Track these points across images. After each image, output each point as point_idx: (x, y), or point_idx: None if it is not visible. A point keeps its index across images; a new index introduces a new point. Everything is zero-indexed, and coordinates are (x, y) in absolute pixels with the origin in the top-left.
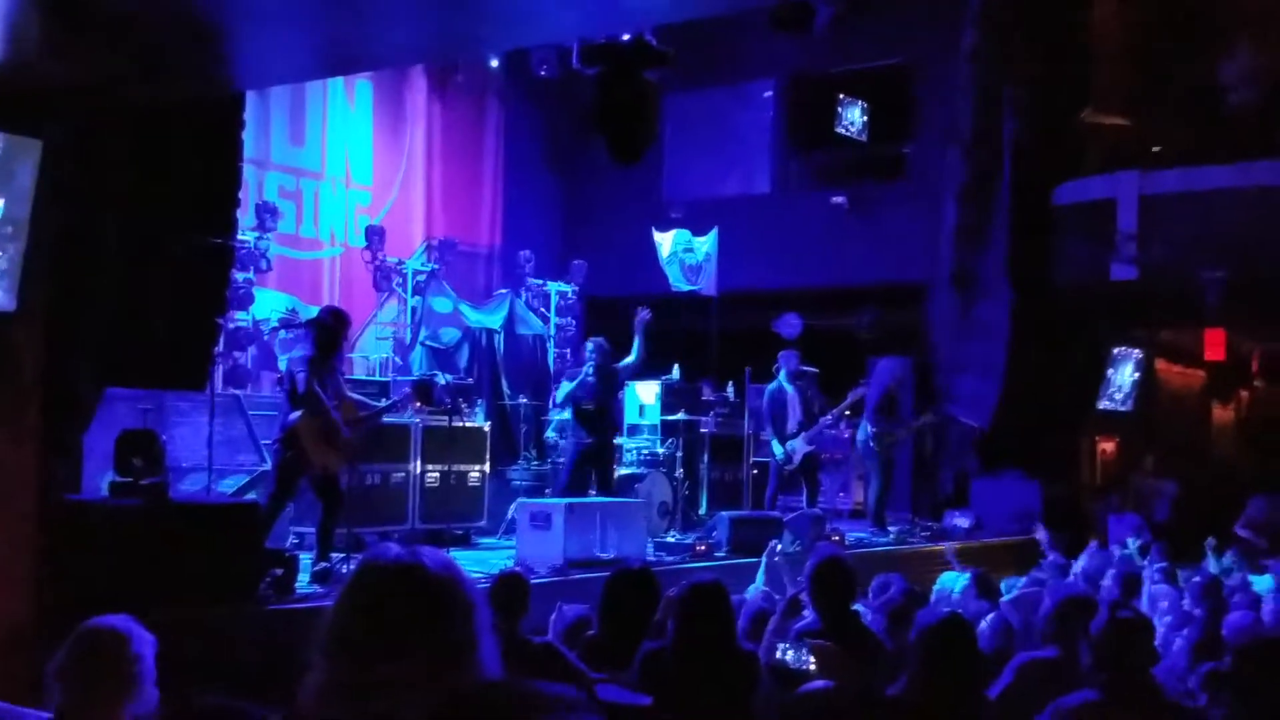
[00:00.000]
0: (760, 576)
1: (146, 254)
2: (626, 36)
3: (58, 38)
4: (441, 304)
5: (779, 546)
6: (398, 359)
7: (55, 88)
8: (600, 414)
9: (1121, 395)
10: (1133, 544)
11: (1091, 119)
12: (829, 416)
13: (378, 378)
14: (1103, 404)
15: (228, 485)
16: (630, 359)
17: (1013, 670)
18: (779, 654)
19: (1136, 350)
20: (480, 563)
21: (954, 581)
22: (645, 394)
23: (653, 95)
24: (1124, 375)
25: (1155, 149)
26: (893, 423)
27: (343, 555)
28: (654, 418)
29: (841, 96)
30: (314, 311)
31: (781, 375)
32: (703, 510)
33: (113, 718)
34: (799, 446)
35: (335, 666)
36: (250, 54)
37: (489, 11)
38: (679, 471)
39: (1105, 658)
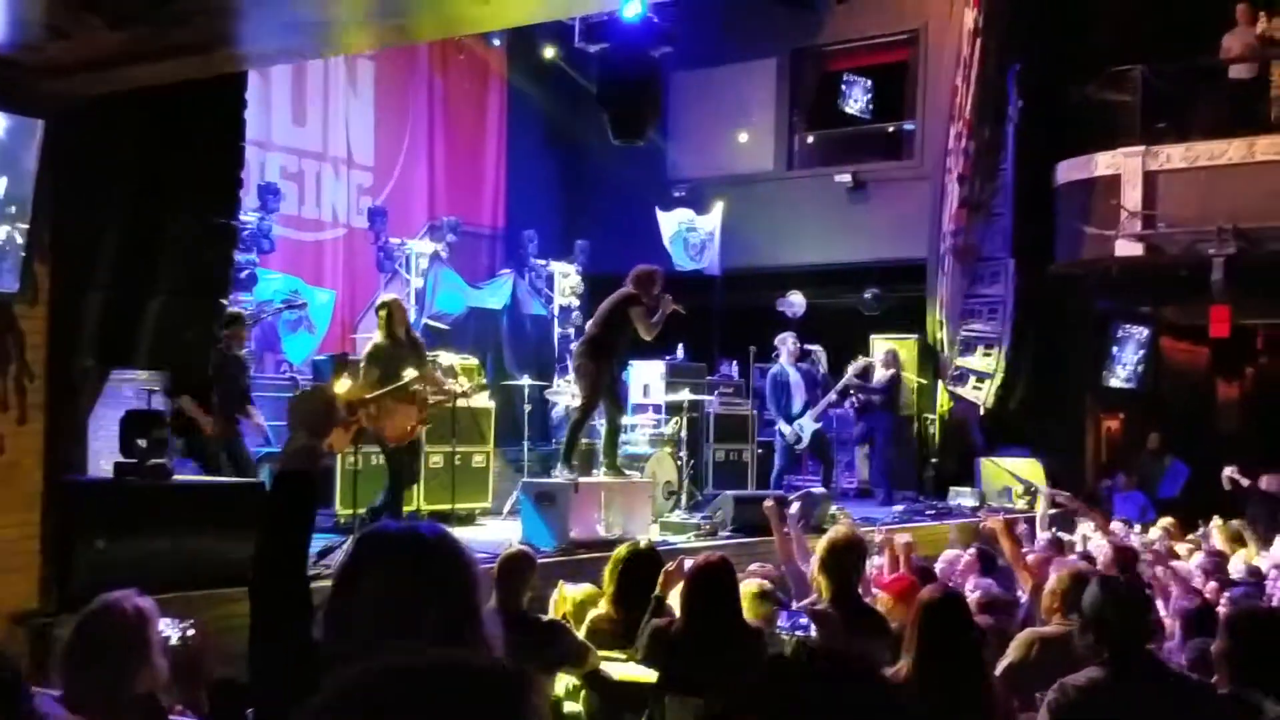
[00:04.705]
0: None
1: (150, 234)
2: (630, 14)
3: (60, 17)
4: (445, 299)
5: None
6: None
7: (58, 67)
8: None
9: (1126, 372)
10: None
11: (1095, 94)
12: (832, 394)
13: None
14: (1108, 381)
15: None
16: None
17: (1016, 646)
18: (778, 623)
19: (1142, 328)
20: (484, 543)
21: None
22: (649, 373)
23: (656, 73)
24: (1129, 353)
25: (1160, 125)
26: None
27: (343, 537)
28: (658, 397)
29: (846, 75)
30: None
31: (783, 358)
32: (708, 489)
33: (123, 691)
34: (807, 425)
35: (338, 641)
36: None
37: None
38: (683, 451)
39: (1100, 631)
